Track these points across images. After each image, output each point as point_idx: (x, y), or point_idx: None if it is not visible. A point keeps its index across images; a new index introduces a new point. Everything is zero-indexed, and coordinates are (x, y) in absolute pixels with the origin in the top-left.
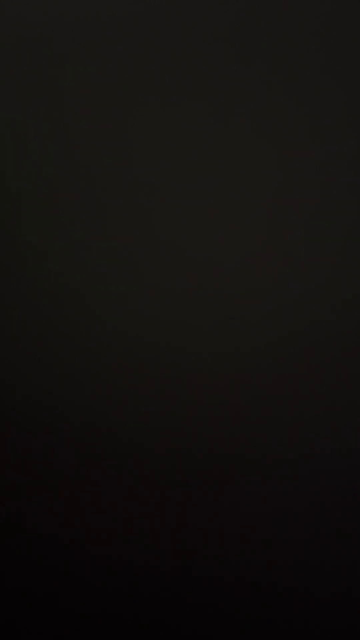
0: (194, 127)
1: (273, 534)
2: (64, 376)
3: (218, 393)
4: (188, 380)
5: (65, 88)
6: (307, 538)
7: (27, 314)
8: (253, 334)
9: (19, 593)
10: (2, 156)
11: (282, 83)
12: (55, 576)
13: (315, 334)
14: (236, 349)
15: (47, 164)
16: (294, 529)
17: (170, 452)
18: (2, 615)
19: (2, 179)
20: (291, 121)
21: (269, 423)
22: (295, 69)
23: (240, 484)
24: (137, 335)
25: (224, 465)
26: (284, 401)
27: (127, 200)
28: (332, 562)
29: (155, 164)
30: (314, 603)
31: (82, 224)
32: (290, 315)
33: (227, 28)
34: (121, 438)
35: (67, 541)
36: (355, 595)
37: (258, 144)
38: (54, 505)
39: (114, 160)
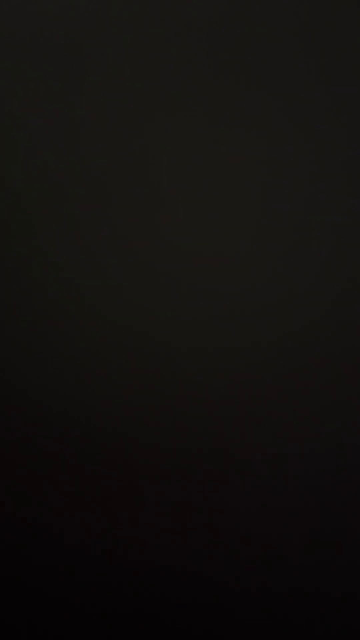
0: (193, 126)
1: (273, 531)
2: (64, 372)
3: (218, 389)
4: (187, 376)
5: (67, 89)
6: (307, 536)
7: (27, 311)
8: (253, 329)
9: (18, 591)
10: (4, 154)
11: (278, 86)
12: (54, 574)
13: (315, 329)
14: (236, 344)
15: (49, 160)
16: (294, 527)
17: (170, 449)
18: (2, 615)
19: (5, 178)
20: (286, 121)
21: (269, 420)
22: (291, 73)
23: (240, 481)
24: (137, 331)
25: (223, 462)
26: (284, 397)
27: (128, 198)
28: (332, 561)
29: (155, 163)
30: (313, 602)
31: (83, 222)
32: (290, 310)
33: (227, 33)
34: (120, 434)
35: (66, 538)
36: (356, 595)
37: (256, 142)
38: (53, 502)
39: (115, 160)
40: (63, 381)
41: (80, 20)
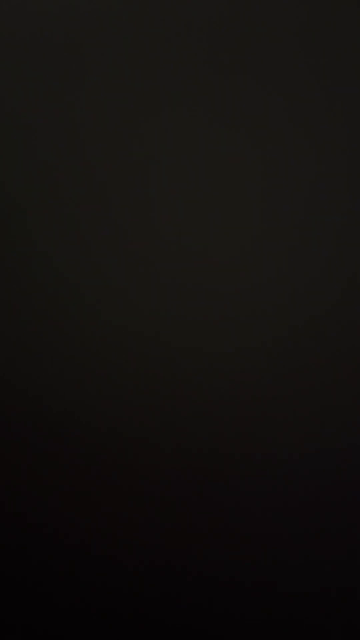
0: (193, 126)
1: (273, 531)
2: (64, 372)
3: (218, 389)
4: (187, 377)
5: (67, 89)
6: (307, 536)
7: (27, 311)
8: (253, 329)
9: (18, 591)
10: (4, 154)
11: (278, 86)
12: (54, 574)
13: (315, 329)
14: (236, 344)
15: (49, 160)
16: (294, 527)
17: (170, 449)
18: (2, 615)
19: (5, 178)
20: (286, 121)
21: (269, 420)
22: (291, 73)
23: (240, 481)
24: (137, 331)
25: (223, 462)
26: (284, 398)
27: (128, 198)
28: (332, 561)
29: (155, 163)
30: (313, 602)
31: (83, 222)
32: (290, 311)
33: (227, 33)
34: (120, 434)
35: (66, 538)
36: (355, 595)
37: (256, 142)
38: (53, 502)
39: (115, 160)
40: (63, 381)
41: (80, 20)
